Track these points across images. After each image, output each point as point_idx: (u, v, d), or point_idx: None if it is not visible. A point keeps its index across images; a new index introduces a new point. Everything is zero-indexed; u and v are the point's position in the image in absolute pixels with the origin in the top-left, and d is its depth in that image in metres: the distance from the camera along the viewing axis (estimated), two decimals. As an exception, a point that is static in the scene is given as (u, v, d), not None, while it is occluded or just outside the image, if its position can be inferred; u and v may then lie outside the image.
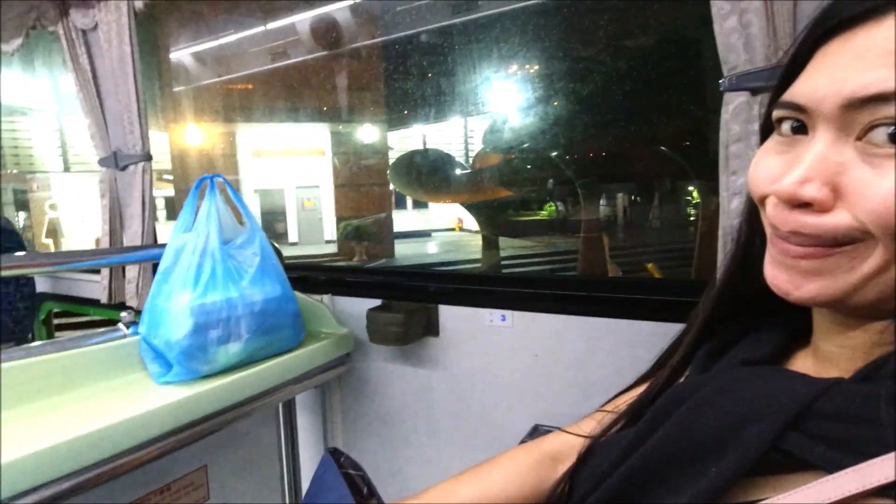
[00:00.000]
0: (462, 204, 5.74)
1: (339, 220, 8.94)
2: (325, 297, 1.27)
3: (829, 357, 0.41)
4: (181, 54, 5.56)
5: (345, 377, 1.29)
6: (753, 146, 0.76)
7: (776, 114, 0.38)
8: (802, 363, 0.44)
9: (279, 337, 1.02)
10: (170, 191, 8.12)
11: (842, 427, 0.33)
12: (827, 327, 0.42)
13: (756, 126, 0.76)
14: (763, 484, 0.36)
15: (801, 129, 0.36)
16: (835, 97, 0.32)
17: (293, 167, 10.39)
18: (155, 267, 1.00)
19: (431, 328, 1.16)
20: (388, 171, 7.58)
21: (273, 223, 10.71)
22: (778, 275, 0.38)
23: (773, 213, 0.37)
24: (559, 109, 4.51)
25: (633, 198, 8.31)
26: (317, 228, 10.82)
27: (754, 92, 0.76)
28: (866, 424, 0.32)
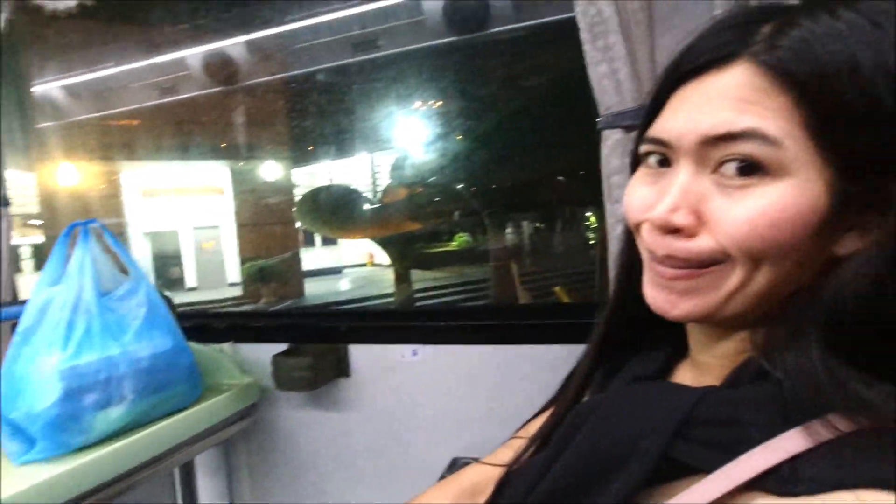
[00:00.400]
0: (372, 239, 5.70)
1: (244, 260, 8.45)
2: (227, 346, 1.18)
3: (704, 367, 0.44)
4: (52, 87, 5.05)
5: (251, 430, 1.20)
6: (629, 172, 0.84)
7: (643, 148, 0.41)
8: (684, 375, 0.47)
9: (172, 394, 0.93)
10: (41, 237, 7.20)
11: (716, 431, 0.36)
12: (700, 340, 0.45)
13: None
14: (661, 492, 0.38)
15: (665, 162, 0.40)
16: (692, 134, 0.36)
17: (189, 207, 9.71)
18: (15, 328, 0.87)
19: (342, 369, 1.12)
20: (293, 209, 7.34)
21: (167, 268, 9.86)
22: (656, 295, 0.41)
23: (648, 239, 0.40)
24: (463, 144, 4.69)
25: (537, 225, 8.75)
26: (218, 271, 10.11)
27: (627, 129, 0.84)
28: (734, 426, 0.35)
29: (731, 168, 0.35)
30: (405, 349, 1.07)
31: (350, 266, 11.18)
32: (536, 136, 4.16)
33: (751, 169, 0.34)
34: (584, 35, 0.85)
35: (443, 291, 7.47)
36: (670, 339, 0.48)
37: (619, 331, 0.51)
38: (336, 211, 4.88)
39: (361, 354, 1.11)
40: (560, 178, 4.78)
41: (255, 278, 7.77)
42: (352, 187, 5.73)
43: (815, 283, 0.36)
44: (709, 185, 0.36)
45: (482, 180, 4.61)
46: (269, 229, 8.31)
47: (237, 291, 8.81)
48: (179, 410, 0.94)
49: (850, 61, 0.32)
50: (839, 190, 0.33)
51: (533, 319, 1.03)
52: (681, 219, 0.37)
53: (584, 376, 0.53)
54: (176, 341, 0.93)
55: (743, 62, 0.35)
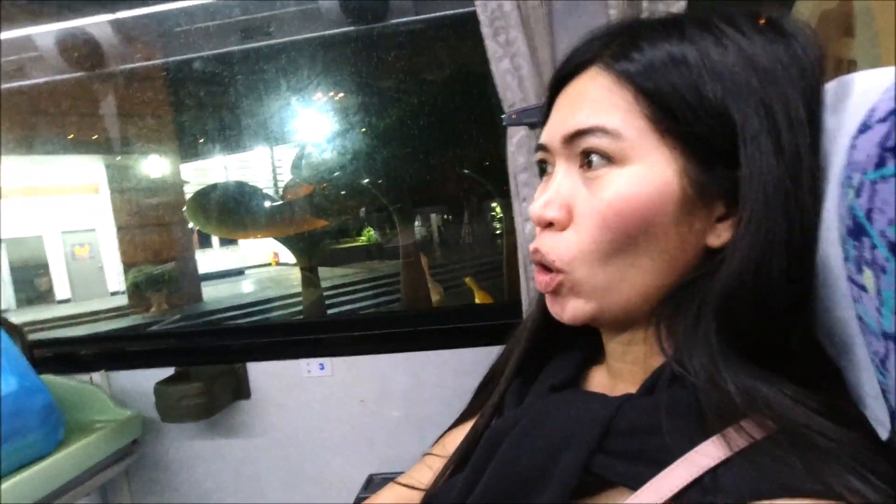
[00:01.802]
0: (276, 238, 5.40)
1: (128, 267, 7.61)
2: (98, 375, 1.02)
3: (617, 373, 0.44)
4: None
5: (134, 470, 1.05)
6: (538, 174, 0.84)
7: (537, 156, 0.44)
8: (600, 381, 0.47)
9: (23, 444, 0.78)
10: None
11: (636, 441, 0.35)
12: (610, 346, 0.45)
13: (536, 156, 0.83)
14: None
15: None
16: (558, 134, 0.40)
17: (57, 208, 8.53)
18: None
19: (241, 391, 1.02)
20: (184, 208, 6.72)
21: (30, 280, 8.62)
22: (550, 303, 0.42)
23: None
24: (368, 137, 4.57)
25: (445, 217, 8.86)
26: (96, 280, 9.00)
27: (532, 126, 0.84)
28: (654, 435, 0.34)
29: (591, 160, 0.38)
30: (311, 363, 0.99)
31: (253, 267, 10.55)
32: (441, 129, 4.18)
33: (600, 160, 0.37)
34: (486, 30, 0.82)
35: (353, 288, 7.31)
36: (584, 342, 0.48)
37: (539, 344, 0.50)
38: (232, 210, 4.54)
39: (262, 373, 1.01)
40: (466, 171, 4.85)
41: (144, 286, 7.03)
42: (249, 184, 5.35)
43: (696, 275, 0.38)
44: (578, 181, 0.39)
45: (389, 175, 4.53)
46: (157, 231, 7.55)
47: (121, 301, 7.92)
48: (35, 462, 0.79)
49: (677, 58, 0.36)
50: (694, 178, 0.36)
51: (444, 324, 1.00)
52: (552, 212, 0.39)
53: (503, 392, 0.51)
54: (24, 380, 0.78)
55: (595, 67, 0.39)
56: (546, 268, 0.41)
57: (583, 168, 0.39)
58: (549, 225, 0.40)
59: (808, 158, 0.34)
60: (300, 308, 5.71)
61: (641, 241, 0.37)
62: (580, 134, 0.38)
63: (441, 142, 4.30)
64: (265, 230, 5.25)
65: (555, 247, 0.39)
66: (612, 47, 0.39)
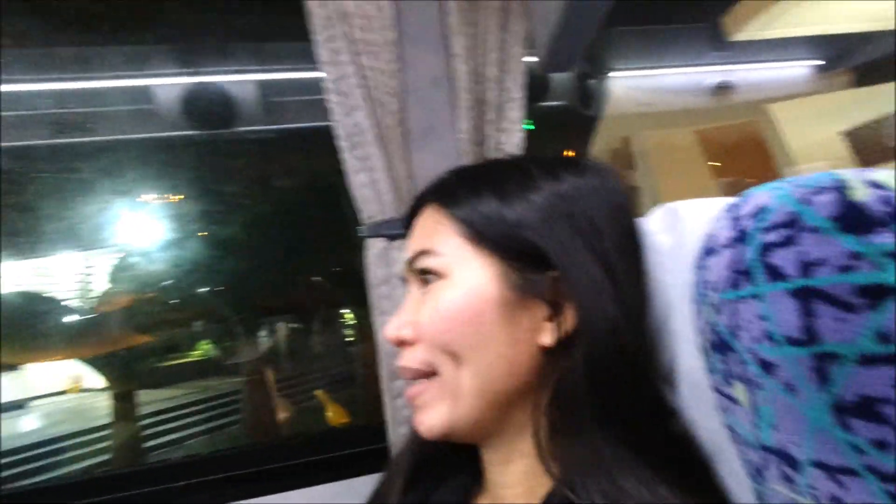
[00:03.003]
0: (80, 358, 4.46)
1: None
2: None
3: (502, 496, 0.43)
4: None
5: None
6: (396, 287, 0.81)
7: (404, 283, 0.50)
8: None
9: None
10: None
11: None
12: (488, 468, 0.45)
13: (396, 269, 0.82)
14: None
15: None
16: (404, 260, 0.48)
17: None
18: None
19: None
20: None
21: None
22: (414, 418, 0.45)
23: None
24: (208, 244, 4.22)
25: (294, 326, 8.35)
26: None
27: (390, 238, 0.83)
28: None
29: (423, 280, 0.45)
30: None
31: (42, 396, 8.45)
32: (291, 237, 4.07)
33: (432, 277, 0.44)
34: (343, 143, 0.83)
35: (181, 412, 6.25)
36: (467, 466, 0.48)
37: (419, 470, 0.49)
38: (19, 328, 3.69)
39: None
40: (316, 278, 4.71)
41: None
42: (46, 295, 4.46)
43: (538, 377, 0.41)
44: (421, 298, 0.45)
45: (234, 283, 4.18)
46: None
47: None
48: None
49: (483, 191, 0.44)
50: (512, 281, 0.41)
51: (296, 457, 0.86)
52: (404, 332, 0.45)
53: None
54: None
55: (429, 205, 0.48)
56: (416, 378, 0.44)
57: (422, 287, 0.46)
58: (402, 343, 0.45)
59: (622, 260, 0.41)
60: (108, 444, 4.64)
61: (477, 345, 0.41)
62: (415, 258, 0.46)
63: (291, 249, 4.17)
64: (68, 351, 4.34)
65: (413, 357, 0.44)
66: (438, 190, 0.48)
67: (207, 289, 4.42)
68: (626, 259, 0.41)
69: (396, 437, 0.77)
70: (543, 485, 0.39)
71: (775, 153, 3.61)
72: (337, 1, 0.80)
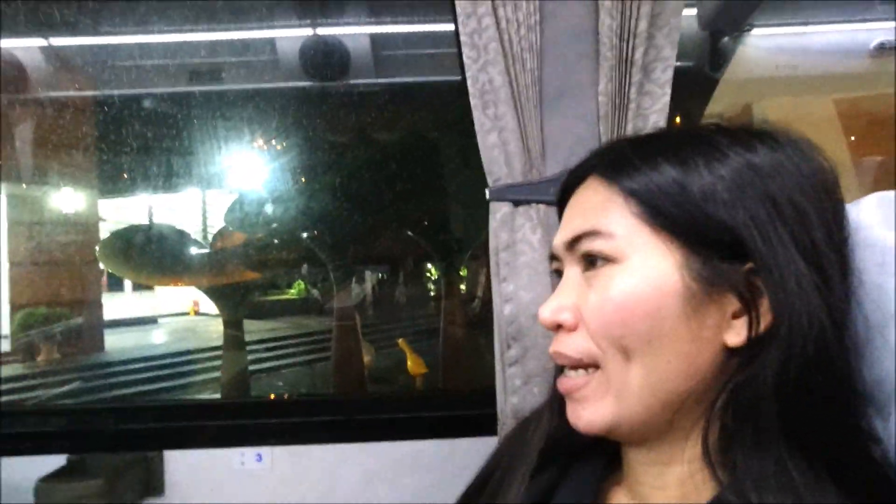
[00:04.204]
0: (199, 287, 5.00)
1: (18, 308, 6.69)
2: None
3: (644, 496, 0.40)
4: None
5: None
6: (519, 254, 0.79)
7: (552, 266, 0.46)
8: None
9: None
10: None
11: None
12: (634, 465, 0.42)
13: (520, 235, 0.79)
14: None
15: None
16: (562, 241, 0.43)
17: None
18: None
19: (153, 486, 0.84)
20: (97, 248, 6.10)
21: None
22: (569, 410, 0.42)
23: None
24: (310, 191, 4.46)
25: (381, 276, 8.73)
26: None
27: (516, 203, 0.80)
28: None
29: (589, 263, 0.41)
30: (246, 453, 0.84)
31: (168, 315, 9.69)
32: (387, 190, 4.18)
33: (600, 261, 0.40)
34: (475, 101, 0.79)
35: (278, 343, 6.86)
36: (603, 451, 0.45)
37: (550, 455, 0.46)
38: (156, 254, 4.18)
39: (183, 464, 0.84)
40: (409, 232, 4.83)
41: (34, 330, 6.18)
42: (177, 228, 5.00)
43: (717, 378, 0.37)
44: (582, 283, 0.41)
45: (329, 230, 4.41)
46: (60, 270, 6.76)
47: (4, 346, 6.89)
48: None
49: (652, 161, 0.39)
50: (696, 271, 0.37)
51: (399, 412, 0.89)
52: (561, 316, 0.41)
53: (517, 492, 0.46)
54: None
55: (591, 178, 0.43)
56: (574, 368, 0.41)
57: (587, 270, 0.41)
58: (559, 327, 0.41)
59: (832, 253, 0.35)
60: (219, 364, 5.23)
61: (654, 340, 0.36)
62: (578, 239, 0.41)
63: (386, 202, 4.29)
64: (190, 279, 4.88)
65: (574, 345, 0.40)
66: (606, 160, 0.42)
67: (307, 234, 4.70)
68: (835, 252, 0.36)
69: (506, 405, 0.77)
70: (701, 492, 0.37)
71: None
72: (480, -53, 0.75)
